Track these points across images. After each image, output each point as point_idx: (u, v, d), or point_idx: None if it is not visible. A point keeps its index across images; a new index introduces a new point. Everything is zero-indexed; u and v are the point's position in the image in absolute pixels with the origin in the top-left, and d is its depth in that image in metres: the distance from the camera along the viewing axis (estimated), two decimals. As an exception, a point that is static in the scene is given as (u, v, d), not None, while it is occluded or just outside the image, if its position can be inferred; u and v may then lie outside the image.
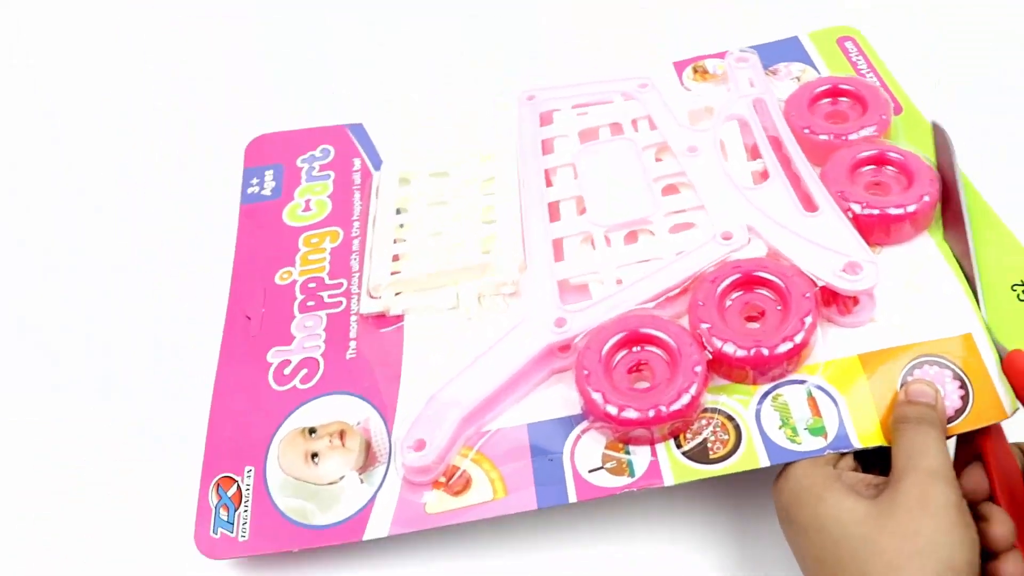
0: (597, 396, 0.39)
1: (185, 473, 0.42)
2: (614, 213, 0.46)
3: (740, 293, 0.42)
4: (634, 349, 0.41)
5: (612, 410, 0.39)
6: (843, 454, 0.38)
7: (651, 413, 0.38)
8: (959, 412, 0.38)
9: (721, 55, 0.55)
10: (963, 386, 0.39)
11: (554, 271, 0.44)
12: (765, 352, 0.39)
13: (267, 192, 0.53)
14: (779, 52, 0.55)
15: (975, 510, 0.35)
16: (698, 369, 0.39)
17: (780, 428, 0.39)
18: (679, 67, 0.56)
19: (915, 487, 0.34)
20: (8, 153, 0.62)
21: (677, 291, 0.42)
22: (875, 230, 0.43)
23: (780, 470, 0.38)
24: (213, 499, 0.41)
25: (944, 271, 0.42)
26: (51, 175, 0.61)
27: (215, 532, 0.40)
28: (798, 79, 0.53)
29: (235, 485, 0.41)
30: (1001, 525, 0.35)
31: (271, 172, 0.54)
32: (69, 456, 0.46)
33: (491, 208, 0.48)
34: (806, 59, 0.54)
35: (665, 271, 0.43)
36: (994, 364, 0.39)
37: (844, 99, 0.50)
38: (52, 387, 0.49)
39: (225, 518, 0.41)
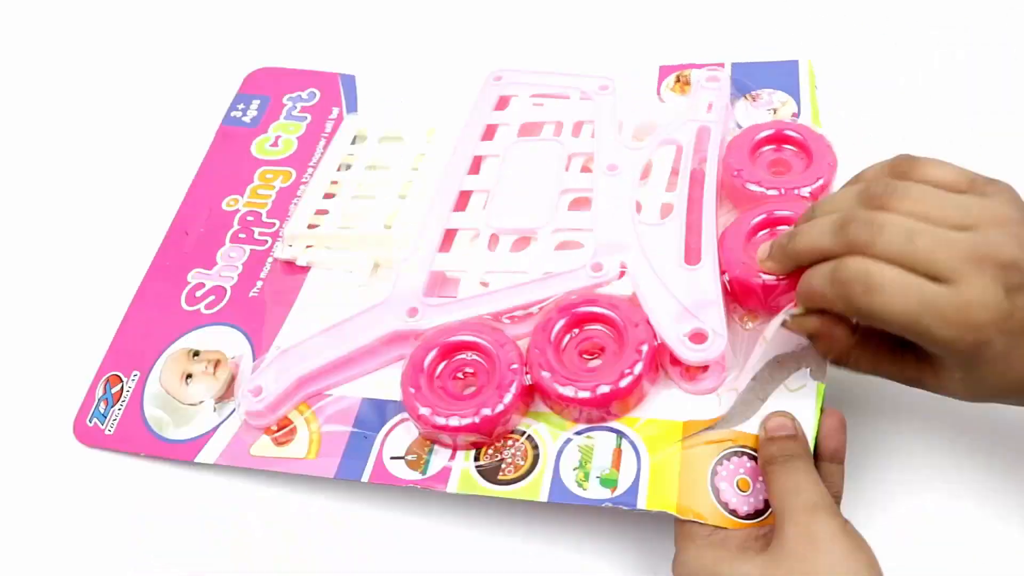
0: (411, 390, 0.41)
1: (91, 365, 0.48)
2: (508, 217, 0.46)
3: (577, 331, 0.42)
4: (459, 356, 0.42)
5: (420, 407, 0.41)
6: None
7: (448, 421, 0.40)
8: (759, 513, 0.37)
9: (720, 65, 0.53)
10: None
11: (433, 260, 0.46)
12: (584, 395, 0.39)
13: (247, 119, 0.57)
14: (772, 75, 0.52)
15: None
16: (510, 391, 0.40)
17: (575, 470, 0.39)
18: (664, 72, 0.54)
19: (797, 527, 0.34)
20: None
21: (532, 310, 0.43)
22: (751, 297, 0.42)
23: (675, 555, 0.37)
24: (99, 392, 0.47)
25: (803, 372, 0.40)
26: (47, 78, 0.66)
27: (90, 421, 0.46)
28: (775, 111, 0.50)
29: (120, 385, 0.47)
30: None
31: (258, 102, 0.58)
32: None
33: (410, 183, 0.50)
34: (794, 89, 0.51)
35: (527, 287, 0.43)
36: None
37: (789, 147, 0.47)
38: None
39: (102, 411, 0.46)
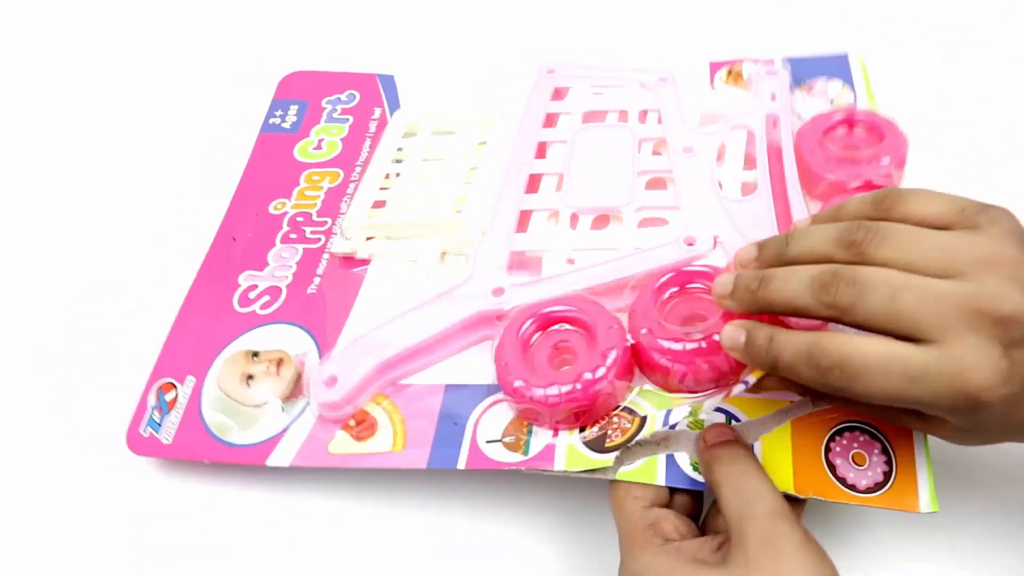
0: (503, 364, 0.39)
1: (139, 373, 0.45)
2: (588, 196, 0.45)
3: (680, 298, 0.40)
4: (555, 327, 0.40)
5: (517, 383, 0.38)
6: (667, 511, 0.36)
7: (547, 391, 0.37)
8: (879, 486, 0.36)
9: (768, 62, 0.53)
10: (888, 462, 0.36)
11: (512, 240, 0.44)
12: (692, 347, 0.38)
13: (287, 125, 0.55)
14: (823, 68, 0.52)
15: None
16: (611, 355, 0.38)
17: (688, 423, 0.37)
18: (715, 67, 0.54)
19: (759, 537, 0.31)
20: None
21: (628, 285, 0.41)
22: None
23: (622, 562, 0.35)
24: (152, 400, 0.43)
25: None
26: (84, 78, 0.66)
27: (144, 431, 0.42)
28: (832, 101, 0.50)
29: (174, 391, 0.44)
30: None
31: (296, 107, 0.56)
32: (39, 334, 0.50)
33: (475, 170, 0.48)
34: (847, 79, 0.52)
35: (619, 262, 0.42)
36: (923, 456, 0.36)
37: (859, 129, 0.47)
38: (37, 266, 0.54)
39: (157, 420, 0.43)
